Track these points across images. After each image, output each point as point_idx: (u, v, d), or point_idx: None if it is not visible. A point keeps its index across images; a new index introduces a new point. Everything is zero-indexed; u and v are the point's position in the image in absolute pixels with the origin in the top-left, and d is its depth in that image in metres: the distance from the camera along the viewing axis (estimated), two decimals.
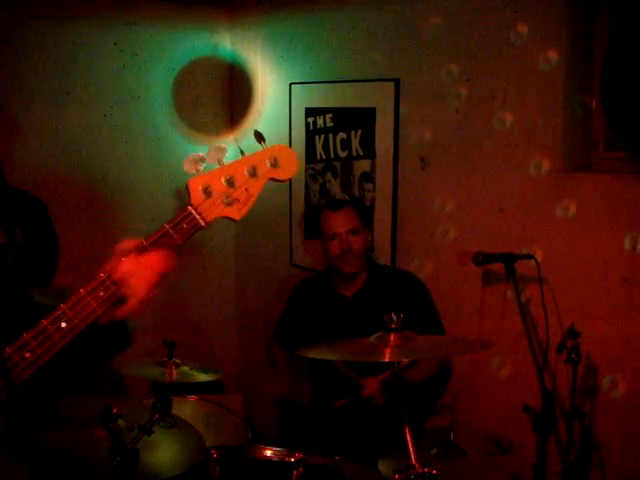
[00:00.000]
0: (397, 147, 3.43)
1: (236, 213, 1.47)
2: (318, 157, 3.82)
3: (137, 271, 1.40)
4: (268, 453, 2.39)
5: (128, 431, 2.36)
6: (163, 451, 2.51)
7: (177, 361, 2.80)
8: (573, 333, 2.65)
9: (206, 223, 1.46)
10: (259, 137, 1.51)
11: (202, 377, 2.87)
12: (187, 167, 1.47)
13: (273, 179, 1.53)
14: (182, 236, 1.43)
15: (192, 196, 1.46)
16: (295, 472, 2.30)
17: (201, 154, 1.49)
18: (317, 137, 3.82)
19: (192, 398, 3.10)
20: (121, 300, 1.43)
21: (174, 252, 1.44)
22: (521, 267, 2.90)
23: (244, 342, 4.56)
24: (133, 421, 2.40)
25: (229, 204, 1.46)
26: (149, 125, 4.13)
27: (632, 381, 2.75)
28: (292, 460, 2.33)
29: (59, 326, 1.35)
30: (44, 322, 1.35)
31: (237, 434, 2.93)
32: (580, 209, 2.84)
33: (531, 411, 2.62)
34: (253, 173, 1.48)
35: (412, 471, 1.98)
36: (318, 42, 3.80)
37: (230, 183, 1.46)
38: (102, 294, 1.39)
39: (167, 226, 1.43)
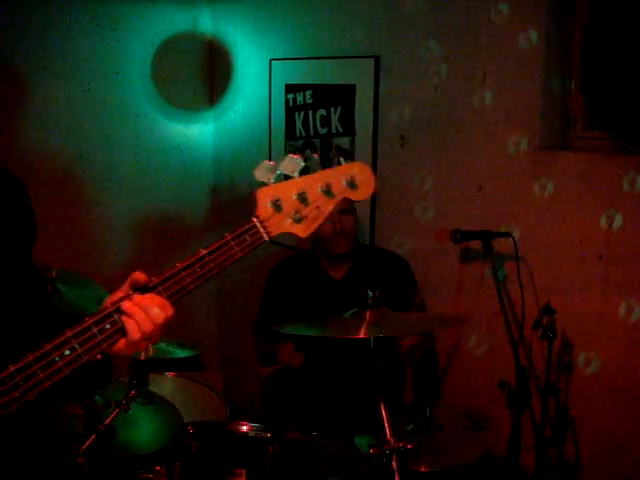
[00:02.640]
0: (377, 124, 3.41)
1: (302, 231, 1.36)
2: (298, 134, 3.80)
3: (144, 308, 1.33)
4: (244, 428, 2.39)
5: (105, 408, 2.37)
6: (140, 427, 2.52)
7: None
8: (549, 310, 2.67)
9: (270, 238, 1.36)
10: (341, 152, 1.44)
11: (179, 353, 2.87)
12: (258, 175, 1.36)
13: (347, 199, 1.41)
14: (243, 249, 1.34)
15: (259, 207, 1.35)
16: (271, 448, 2.31)
17: (274, 162, 1.36)
18: (297, 114, 3.80)
19: (171, 375, 3.11)
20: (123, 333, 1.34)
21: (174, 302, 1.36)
22: (499, 245, 2.92)
23: (223, 320, 4.56)
24: (110, 398, 2.41)
25: (297, 221, 1.35)
26: (128, 101, 4.09)
27: (606, 358, 2.78)
28: (268, 435, 2.34)
29: (63, 353, 1.29)
30: (47, 346, 1.29)
31: (216, 411, 2.94)
32: (558, 188, 2.85)
33: (506, 387, 2.65)
34: (327, 191, 1.36)
35: (387, 446, 2.00)
36: (299, 18, 3.77)
37: (302, 199, 1.35)
38: (109, 327, 1.32)
39: (228, 236, 1.34)
